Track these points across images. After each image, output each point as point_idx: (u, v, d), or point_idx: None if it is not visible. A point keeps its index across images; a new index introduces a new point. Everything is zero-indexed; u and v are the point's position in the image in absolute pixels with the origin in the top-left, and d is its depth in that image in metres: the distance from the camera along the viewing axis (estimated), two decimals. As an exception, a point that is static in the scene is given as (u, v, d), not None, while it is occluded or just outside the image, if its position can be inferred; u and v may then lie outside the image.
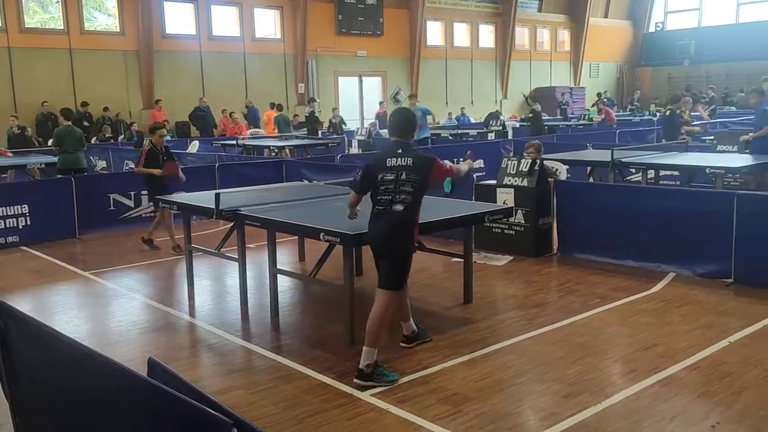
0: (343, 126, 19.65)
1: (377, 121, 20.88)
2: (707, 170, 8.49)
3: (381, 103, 23.78)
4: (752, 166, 8.90)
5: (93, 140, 17.51)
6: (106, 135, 18.14)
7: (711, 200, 6.75)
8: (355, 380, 4.41)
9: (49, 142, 14.39)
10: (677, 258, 6.78)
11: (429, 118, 15.61)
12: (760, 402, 4.05)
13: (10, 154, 13.12)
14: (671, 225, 6.78)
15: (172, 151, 8.75)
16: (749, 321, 5.42)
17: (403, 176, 4.42)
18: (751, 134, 10.30)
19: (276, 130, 18.74)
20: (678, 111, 12.17)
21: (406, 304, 5.02)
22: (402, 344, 5.06)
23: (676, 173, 10.30)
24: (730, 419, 3.86)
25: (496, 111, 24.02)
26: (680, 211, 6.75)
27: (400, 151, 4.52)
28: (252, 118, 21.06)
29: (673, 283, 6.54)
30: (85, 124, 18.00)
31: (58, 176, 10.49)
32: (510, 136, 17.49)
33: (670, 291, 6.29)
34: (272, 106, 19.82)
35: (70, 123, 11.14)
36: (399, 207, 4.42)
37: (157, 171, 8.03)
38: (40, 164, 12.08)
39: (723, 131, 13.90)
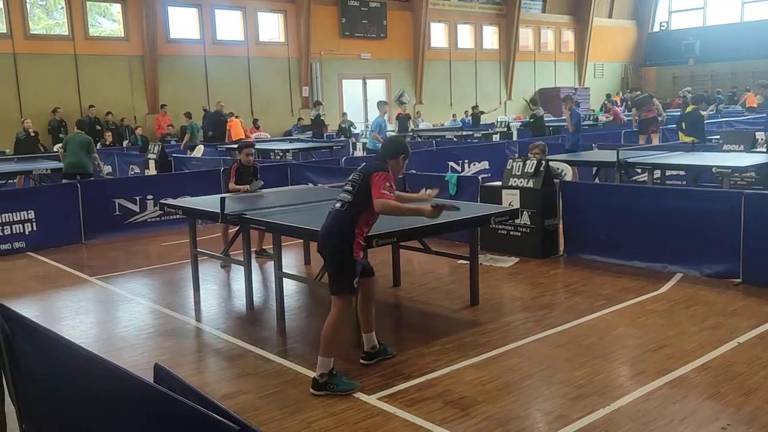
0: (351, 130, 19.52)
1: (397, 123, 20.22)
2: (714, 170, 8.45)
3: (403, 104, 23.40)
4: (761, 165, 8.85)
5: (97, 146, 17.53)
6: (107, 141, 18.04)
7: (718, 200, 6.70)
8: (310, 390, 4.33)
9: (55, 148, 14.46)
10: (684, 258, 6.74)
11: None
12: (771, 403, 4.02)
13: None
14: (678, 225, 6.74)
15: (173, 155, 8.67)
16: (758, 321, 5.39)
17: (350, 177, 4.52)
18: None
19: (190, 137, 17.78)
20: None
21: (370, 313, 4.80)
22: (362, 361, 4.77)
23: (682, 173, 10.26)
24: (740, 420, 3.83)
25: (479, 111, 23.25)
26: (687, 211, 6.70)
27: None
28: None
29: (681, 283, 6.50)
30: (98, 128, 18.02)
31: (63, 181, 10.59)
32: (515, 138, 17.46)
33: (678, 291, 6.26)
34: (188, 116, 18.56)
35: (79, 131, 11.33)
36: (338, 205, 4.45)
37: (244, 188, 7.90)
38: (46, 170, 12.13)
39: (729, 130, 13.85)
